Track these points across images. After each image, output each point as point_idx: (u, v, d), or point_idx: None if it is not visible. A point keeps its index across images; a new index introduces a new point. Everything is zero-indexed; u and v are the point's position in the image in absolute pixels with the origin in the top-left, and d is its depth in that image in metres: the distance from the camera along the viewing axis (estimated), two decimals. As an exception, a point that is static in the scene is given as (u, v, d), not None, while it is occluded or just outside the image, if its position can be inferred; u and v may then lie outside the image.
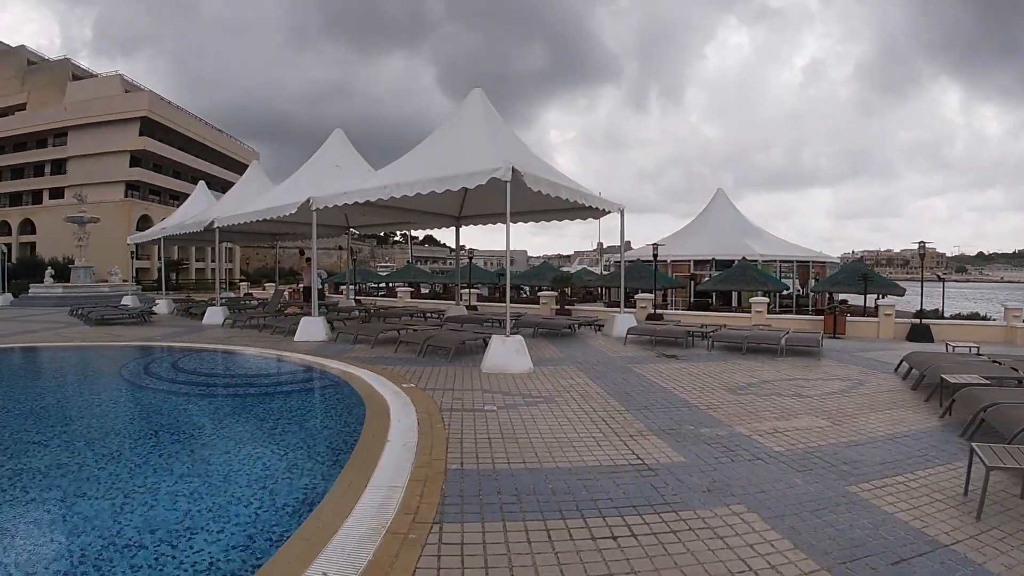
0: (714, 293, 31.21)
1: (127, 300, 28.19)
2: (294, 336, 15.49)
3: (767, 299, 22.31)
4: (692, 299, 31.75)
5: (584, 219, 17.86)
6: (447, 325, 16.47)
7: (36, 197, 69.93)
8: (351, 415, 7.95)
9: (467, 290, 29.55)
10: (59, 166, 69.42)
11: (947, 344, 14.10)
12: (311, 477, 5.65)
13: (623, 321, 16.26)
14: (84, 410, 8.74)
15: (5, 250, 37.72)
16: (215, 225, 20.49)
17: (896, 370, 11.41)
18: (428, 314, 21.24)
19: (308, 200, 15.19)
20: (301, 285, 25.16)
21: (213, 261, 77.38)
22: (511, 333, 11.31)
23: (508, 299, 12.65)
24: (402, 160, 14.96)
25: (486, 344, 12.00)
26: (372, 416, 7.59)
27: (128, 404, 9.22)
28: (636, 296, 24.37)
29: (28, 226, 69.10)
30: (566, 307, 24.43)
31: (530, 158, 14.06)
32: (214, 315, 20.85)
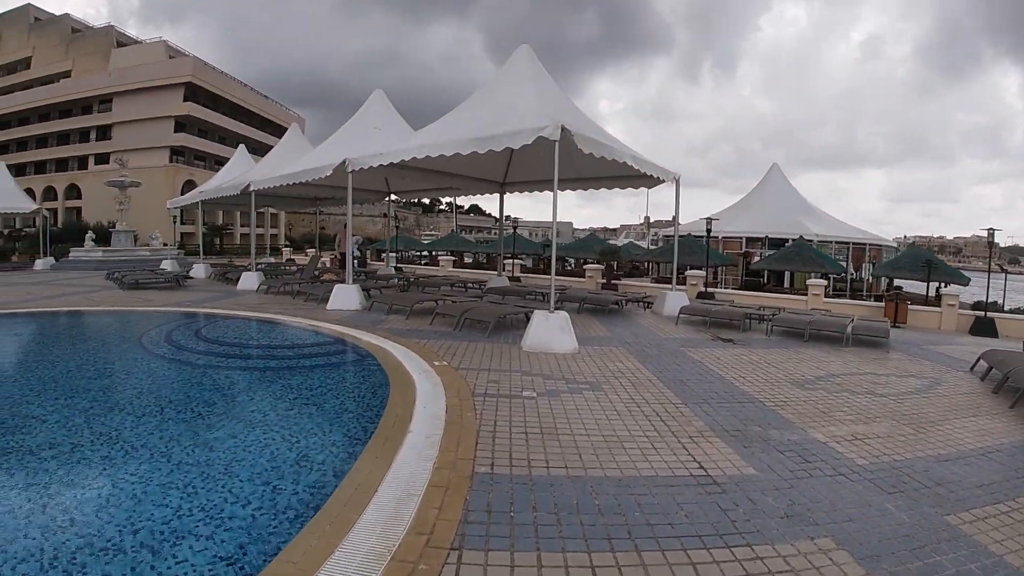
0: (766, 272, 29.83)
1: (166, 264, 27.97)
2: (327, 304, 14.82)
3: (824, 282, 20.98)
4: (744, 278, 30.51)
5: (636, 188, 16.76)
6: (487, 297, 15.63)
7: (82, 162, 70.60)
8: (374, 397, 7.17)
9: (510, 260, 28.61)
10: (104, 132, 69.69)
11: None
12: (318, 474, 4.87)
13: (675, 299, 15.24)
14: (92, 380, 8.11)
15: (48, 214, 37.90)
16: (251, 188, 19.96)
17: (972, 369, 10.20)
18: (469, 284, 20.43)
19: (344, 161, 14.38)
20: (340, 251, 24.43)
21: (259, 226, 78.22)
22: (555, 309, 10.37)
23: (553, 271, 11.42)
24: (443, 120, 14.01)
25: (528, 319, 11.13)
26: (396, 399, 6.78)
27: (136, 375, 8.52)
28: (686, 273, 23.20)
29: (74, 191, 69.86)
30: (612, 281, 23.42)
31: (580, 118, 12.92)
32: (249, 280, 20.32)
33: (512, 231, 32.41)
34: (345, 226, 22.65)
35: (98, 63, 70.16)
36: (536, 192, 19.65)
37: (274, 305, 15.51)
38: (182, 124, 67.53)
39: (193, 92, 67.35)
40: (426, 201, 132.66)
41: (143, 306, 15.29)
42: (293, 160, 19.62)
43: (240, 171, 25.67)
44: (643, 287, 22.61)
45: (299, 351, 10.26)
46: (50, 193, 70.89)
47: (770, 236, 32.80)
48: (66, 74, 71.71)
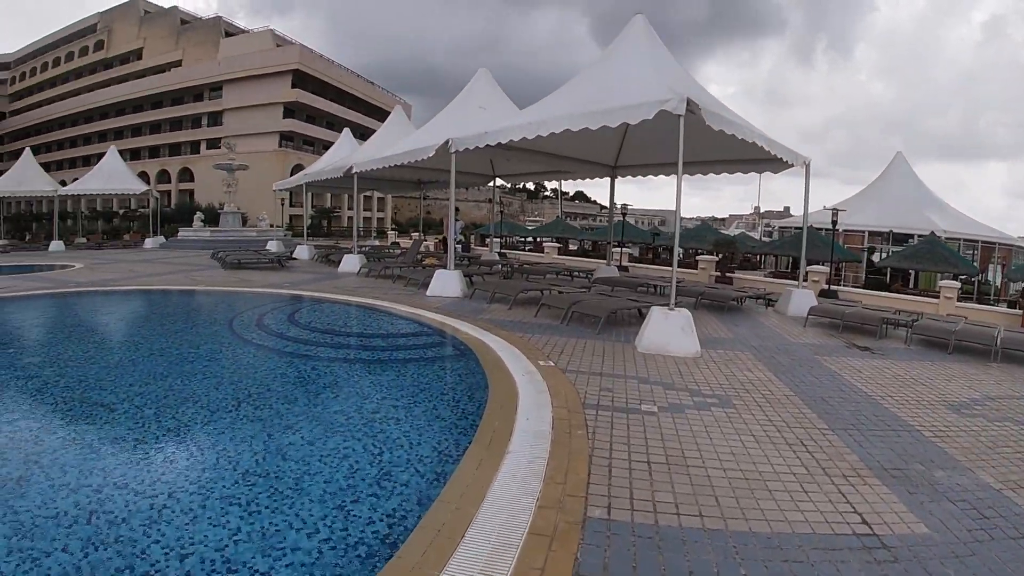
0: (888, 271, 27.62)
1: (271, 245, 28.36)
2: (427, 290, 14.19)
3: (958, 284, 18.83)
4: (866, 276, 28.40)
5: (759, 172, 15.36)
6: (596, 288, 14.61)
7: (194, 147, 74.14)
8: (470, 401, 6.39)
9: (617, 249, 27.34)
10: (215, 118, 72.88)
11: None
12: (398, 500, 4.11)
13: (801, 298, 13.75)
14: (171, 366, 7.67)
15: (158, 195, 39.50)
16: (353, 171, 19.57)
17: None
18: (575, 273, 19.41)
19: (447, 142, 13.63)
20: (445, 236, 23.86)
21: (366, 209, 79.66)
22: (672, 307, 9.22)
23: (676, 263, 10.20)
24: (552, 97, 13.01)
25: (641, 315, 10.08)
26: (495, 407, 5.92)
27: (219, 363, 8.05)
28: (808, 268, 21.51)
29: (187, 174, 73.50)
30: (727, 274, 21.95)
31: (702, 94, 11.65)
32: (350, 263, 20.04)
33: (621, 218, 31.15)
34: (455, 210, 22.12)
35: (207, 52, 73.34)
36: (650, 176, 18.40)
37: (372, 289, 15.01)
38: (290, 110, 69.76)
39: (300, 79, 69.30)
40: (531, 187, 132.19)
41: (240, 287, 15.18)
42: (396, 143, 19.07)
43: (344, 154, 25.55)
44: (760, 282, 21.06)
45: (391, 342, 9.58)
46: (164, 176, 75.03)
47: (895, 231, 30.47)
48: (177, 63, 75.51)
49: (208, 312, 12.65)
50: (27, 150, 37.76)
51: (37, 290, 14.24)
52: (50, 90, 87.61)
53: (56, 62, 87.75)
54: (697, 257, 24.57)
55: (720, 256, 24.07)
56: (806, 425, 5.96)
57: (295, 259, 24.86)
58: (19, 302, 12.80)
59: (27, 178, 34.50)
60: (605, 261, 22.21)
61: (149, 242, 33.61)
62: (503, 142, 12.33)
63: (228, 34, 75.81)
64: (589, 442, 5.07)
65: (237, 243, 30.93)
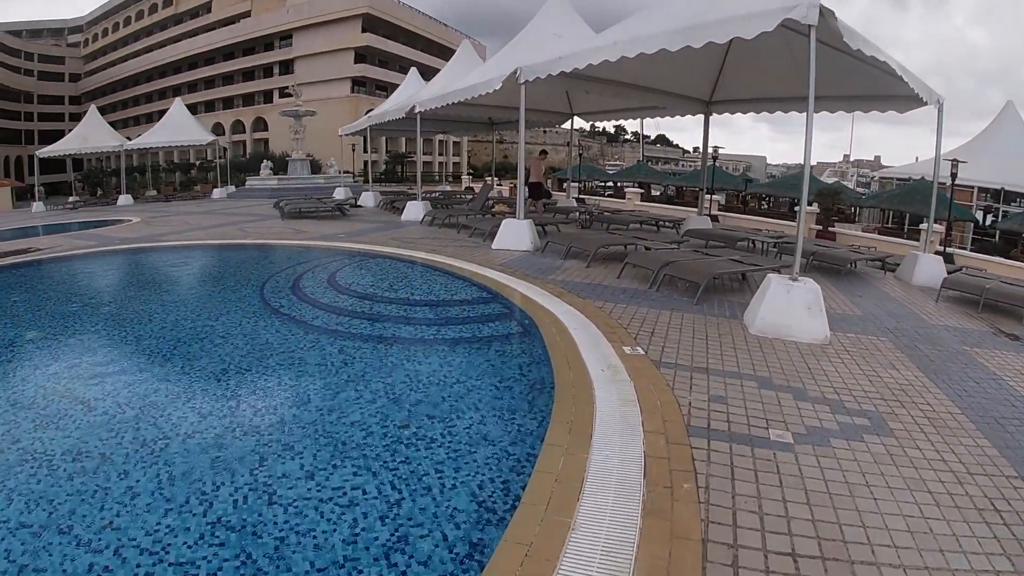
0: (998, 233, 24.68)
1: (338, 192, 27.09)
2: (493, 241, 12.50)
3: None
4: (972, 237, 25.48)
5: (882, 111, 12.69)
6: (688, 243, 12.62)
7: (267, 96, 74.97)
8: (528, 415, 4.67)
9: (707, 197, 24.85)
10: (286, 67, 73.37)
11: None
12: None
13: (928, 265, 11.33)
14: (176, 347, 6.44)
15: (226, 146, 39.45)
16: (415, 110, 17.86)
17: None
18: (662, 222, 17.30)
19: (515, 72, 11.73)
20: (512, 184, 21.77)
21: (440, 154, 78.46)
22: (796, 276, 7.12)
23: (802, 220, 7.66)
24: (638, 14, 10.86)
25: (745, 280, 8.14)
26: (557, 434, 4.08)
27: (231, 341, 6.59)
28: (920, 227, 18.90)
29: (261, 124, 73.97)
30: (829, 229, 19.54)
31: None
32: (414, 210, 18.44)
33: (712, 162, 28.49)
34: (543, 153, 20.23)
35: (276, 2, 73.52)
36: (738, 114, 15.86)
37: (432, 241, 13.40)
38: (361, 55, 69.66)
39: (371, 23, 68.78)
40: (611, 130, 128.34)
41: (290, 239, 13.95)
42: (462, 79, 17.19)
43: (410, 95, 23.76)
44: (867, 239, 18.68)
45: (438, 313, 7.82)
46: (238, 127, 76.48)
47: (1006, 188, 27.35)
48: (246, 14, 76.03)
49: (243, 271, 11.23)
50: (92, 107, 38.21)
51: (76, 250, 13.11)
52: (122, 49, 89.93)
53: (127, 21, 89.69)
54: (795, 208, 22.10)
55: (821, 208, 21.58)
56: (990, 469, 4.02)
57: (360, 206, 23.55)
58: (44, 265, 11.68)
59: (93, 135, 34.56)
60: (695, 210, 19.97)
61: (217, 192, 33.37)
62: (581, 67, 10.30)
63: (296, -19, 75.23)
64: (702, 507, 3.26)
65: (304, 191, 30.08)
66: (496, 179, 37.24)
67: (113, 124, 71.37)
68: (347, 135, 29.35)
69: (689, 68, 13.29)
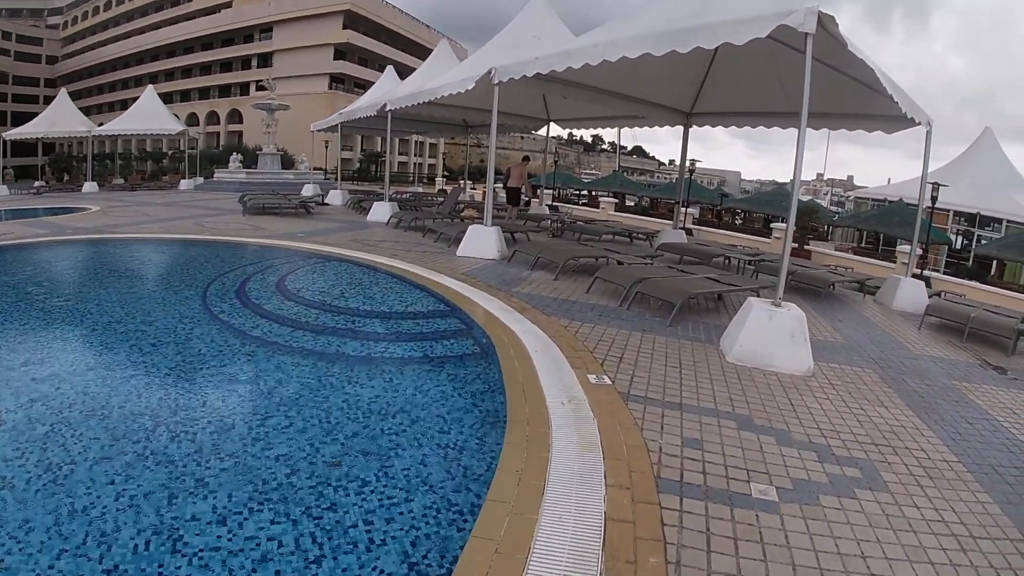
0: (971, 257, 24.73)
1: (307, 189, 26.46)
2: (458, 247, 11.88)
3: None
4: (946, 261, 25.36)
5: (869, 131, 12.30)
6: (662, 257, 12.13)
7: (244, 89, 73.70)
8: (478, 455, 4.14)
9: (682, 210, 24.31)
10: (265, 59, 72.34)
11: None
12: None
13: (911, 290, 10.93)
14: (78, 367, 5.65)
15: (196, 136, 40.36)
16: (387, 108, 17.22)
17: None
18: (635, 234, 16.79)
19: (489, 72, 11.17)
20: (503, 187, 20.87)
21: (417, 155, 77.73)
22: (779, 300, 6.53)
23: (788, 239, 6.89)
24: (621, 18, 10.31)
25: (720, 299, 7.63)
26: (505, 483, 3.51)
27: (143, 336, 6.04)
28: (897, 249, 18.61)
29: (236, 116, 72.65)
30: (805, 248, 19.18)
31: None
32: (380, 211, 17.77)
33: (689, 175, 27.98)
34: (526, 159, 19.66)
35: None
36: (732, 127, 15.38)
37: (394, 245, 12.75)
38: (342, 52, 69.14)
39: (352, 20, 68.10)
40: (588, 139, 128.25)
41: (248, 236, 13.30)
42: (437, 79, 16.59)
43: (384, 92, 23.11)
44: (842, 259, 18.29)
45: (388, 327, 7.17)
46: (213, 118, 75.40)
47: (982, 212, 27.40)
48: (227, 4, 74.61)
49: (189, 270, 10.46)
50: (63, 91, 37.28)
51: (23, 239, 12.29)
52: (101, 33, 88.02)
53: (107, 5, 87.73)
54: (772, 225, 21.72)
55: (797, 226, 21.27)
56: (993, 531, 3.58)
57: (327, 204, 22.94)
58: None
59: (62, 119, 33.62)
60: (670, 223, 19.50)
61: (184, 184, 32.59)
62: (559, 70, 9.76)
63: (279, -27, 74.33)
64: (675, 588, 2.68)
65: (273, 186, 29.54)
66: (470, 183, 36.67)
67: (88, 109, 70.36)
68: (319, 131, 28.51)
69: (670, 77, 12.81)
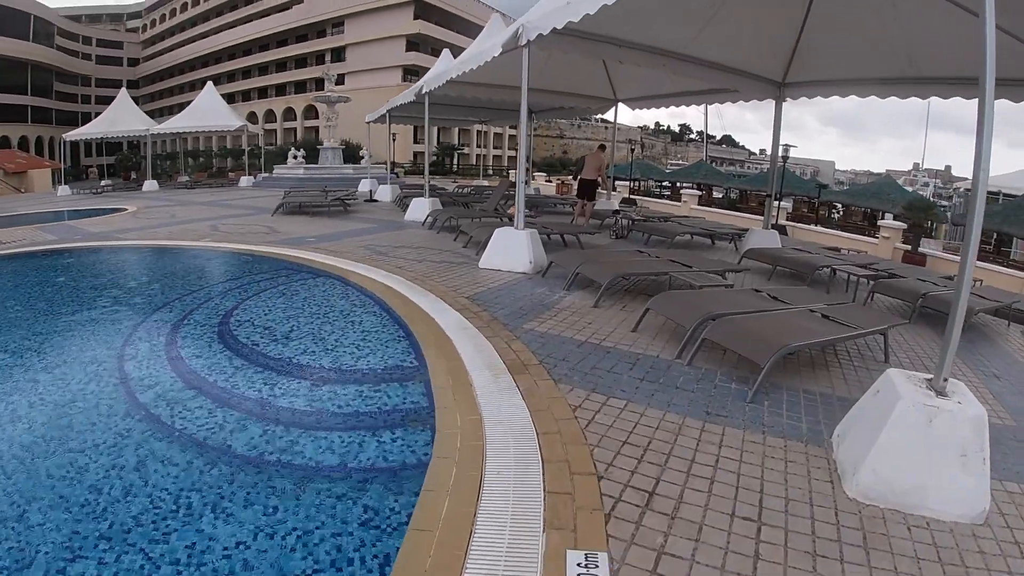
0: None
1: (364, 184, 25.07)
2: (481, 257, 9.48)
3: None
4: None
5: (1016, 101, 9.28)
6: (746, 269, 9.37)
7: (319, 84, 72.45)
8: None
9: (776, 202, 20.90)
10: (338, 54, 71.98)
11: None
12: None
13: None
14: None
15: (260, 132, 41.40)
16: (423, 91, 14.89)
17: None
18: (717, 235, 14.00)
19: (516, 32, 8.63)
20: (574, 179, 17.94)
21: (497, 147, 75.75)
22: (942, 384, 3.54)
23: (970, 260, 3.58)
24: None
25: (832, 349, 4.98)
26: None
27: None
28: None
29: (312, 112, 72.04)
30: (919, 251, 15.87)
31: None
32: (418, 209, 15.58)
33: (783, 163, 24.48)
34: (602, 148, 16.94)
35: None
36: (835, 96, 11.90)
37: (411, 252, 10.50)
38: (414, 43, 67.83)
39: (423, 10, 66.70)
40: (675, 128, 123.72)
41: (250, 241, 11.46)
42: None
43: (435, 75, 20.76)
44: (953, 262, 14.98)
45: (311, 399, 4.53)
46: (290, 114, 75.87)
47: None
48: (299, 0, 74.31)
49: (136, 289, 8.24)
50: (122, 90, 37.18)
51: (25, 247, 11.18)
52: (179, 34, 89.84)
53: (183, 7, 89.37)
54: (881, 222, 18.24)
55: (912, 225, 17.79)
56: None
57: (375, 201, 21.33)
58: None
59: (121, 118, 33.55)
60: (760, 219, 16.42)
61: (244, 180, 32.07)
62: (592, 12, 7.03)
63: (349, -34, 74.15)
64: None
65: (330, 181, 27.95)
66: (545, 176, 34.28)
67: (169, 109, 71.48)
68: (372, 122, 26.44)
69: (753, 36, 10.05)
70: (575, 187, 17.02)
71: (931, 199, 40.44)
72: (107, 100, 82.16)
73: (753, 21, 9.22)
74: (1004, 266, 16.30)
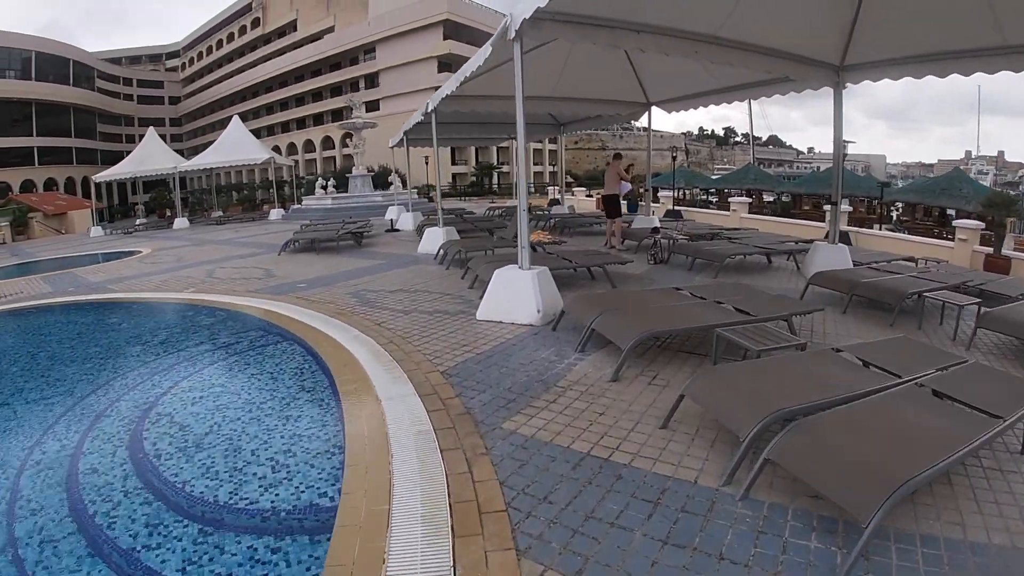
0: None
1: (391, 212, 23.42)
2: (479, 306, 7.67)
3: None
4: None
5: None
6: (816, 305, 7.28)
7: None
8: None
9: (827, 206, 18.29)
10: (372, 80, 71.86)
11: None
12: None
13: None
14: None
15: (288, 164, 41.38)
16: (428, 108, 13.32)
17: None
18: (774, 252, 12.01)
19: (505, 25, 6.91)
20: (599, 194, 15.44)
21: (536, 163, 74.06)
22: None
23: None
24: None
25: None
26: None
27: None
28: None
29: (349, 139, 72.07)
30: (1002, 254, 13.48)
31: None
32: (432, 240, 13.82)
33: (840, 162, 21.86)
34: (617, 156, 15.10)
35: (358, 15, 72.78)
36: (902, 77, 9.57)
37: (408, 297, 8.97)
38: (446, 64, 66.72)
39: (453, 30, 66.07)
40: (720, 132, 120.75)
41: (236, 294, 9.93)
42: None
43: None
44: None
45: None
46: (328, 143, 75.97)
47: None
48: (329, 30, 75.70)
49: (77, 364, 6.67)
50: (150, 129, 37.22)
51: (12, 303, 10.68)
52: (217, 71, 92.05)
53: (219, 44, 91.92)
54: (958, 222, 15.70)
55: (993, 223, 15.33)
56: None
57: (397, 231, 19.80)
58: None
59: (149, 157, 33.50)
60: (820, 226, 14.20)
61: (274, 213, 31.35)
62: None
63: (376, -7, 73.97)
64: None
65: (359, 210, 27.28)
66: (585, 191, 32.50)
67: (211, 144, 72.04)
68: (394, 146, 24.87)
69: (802, 10, 8.16)
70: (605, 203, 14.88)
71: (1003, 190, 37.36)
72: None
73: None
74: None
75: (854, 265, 10.20)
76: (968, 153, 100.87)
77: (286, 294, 9.42)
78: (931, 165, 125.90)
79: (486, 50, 7.89)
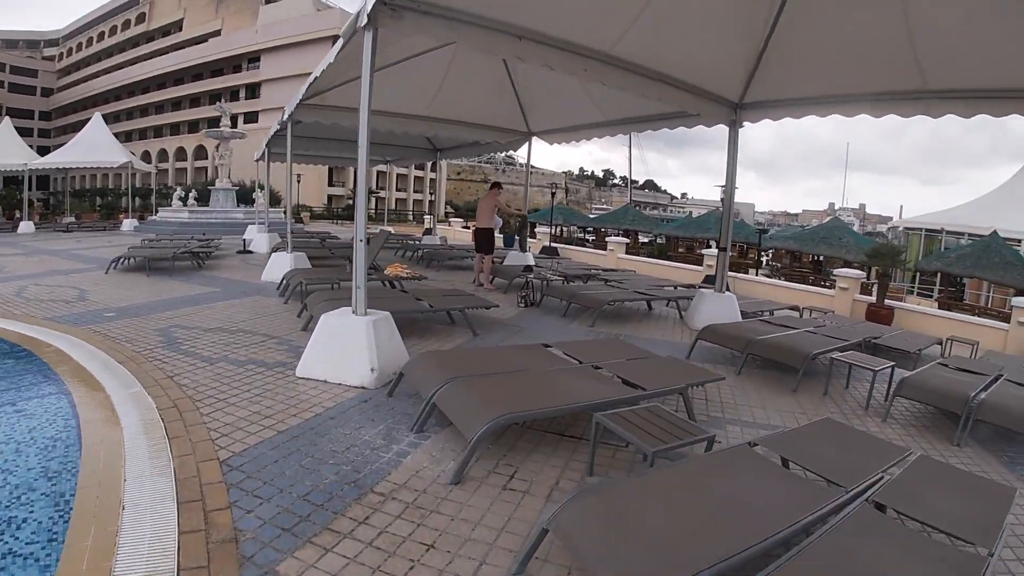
0: None
1: (251, 231, 21.55)
2: (300, 360, 6.08)
3: None
4: None
5: None
6: (708, 374, 6.18)
7: (232, 121, 69.29)
8: None
9: (710, 251, 17.80)
10: (253, 90, 68.52)
11: None
12: None
13: None
14: None
15: (152, 170, 37.29)
16: (284, 116, 12.16)
17: None
18: (656, 297, 11.13)
19: (357, 13, 5.60)
20: (474, 226, 14.05)
21: (416, 191, 72.60)
22: None
23: None
24: None
25: None
26: None
27: None
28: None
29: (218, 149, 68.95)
30: (886, 304, 13.20)
31: None
32: (277, 267, 12.27)
33: (731, 206, 21.62)
34: (496, 186, 13.70)
35: (247, 20, 69.52)
36: (811, 116, 8.58)
37: (224, 338, 7.21)
38: None
39: None
40: (599, 174, 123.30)
41: (26, 320, 7.91)
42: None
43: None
44: (936, 317, 12.61)
45: None
46: (201, 152, 71.20)
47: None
48: (216, 33, 71.88)
49: None
50: (6, 119, 32.29)
51: None
52: (95, 64, 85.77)
53: (100, 36, 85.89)
54: (838, 271, 15.43)
55: (878, 274, 15.27)
56: None
57: (250, 252, 17.94)
58: None
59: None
60: (695, 267, 13.52)
61: (127, 224, 28.41)
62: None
63: (268, 0, 70.44)
64: None
65: (213, 227, 25.01)
66: (462, 221, 31.53)
67: (80, 143, 66.93)
68: (258, 160, 22.98)
69: (702, 38, 7.30)
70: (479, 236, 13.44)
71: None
72: (19, 131, 77.73)
73: (701, 17, 6.45)
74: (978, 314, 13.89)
75: (743, 316, 9.55)
76: (831, 204, 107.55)
77: (85, 325, 7.56)
78: (796, 215, 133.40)
79: (339, 44, 6.44)
